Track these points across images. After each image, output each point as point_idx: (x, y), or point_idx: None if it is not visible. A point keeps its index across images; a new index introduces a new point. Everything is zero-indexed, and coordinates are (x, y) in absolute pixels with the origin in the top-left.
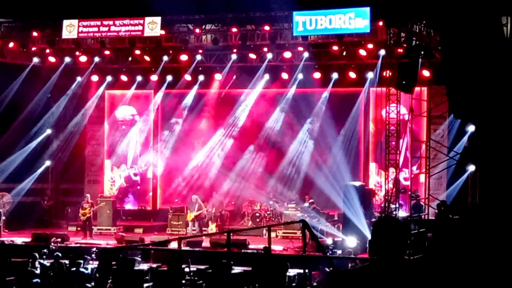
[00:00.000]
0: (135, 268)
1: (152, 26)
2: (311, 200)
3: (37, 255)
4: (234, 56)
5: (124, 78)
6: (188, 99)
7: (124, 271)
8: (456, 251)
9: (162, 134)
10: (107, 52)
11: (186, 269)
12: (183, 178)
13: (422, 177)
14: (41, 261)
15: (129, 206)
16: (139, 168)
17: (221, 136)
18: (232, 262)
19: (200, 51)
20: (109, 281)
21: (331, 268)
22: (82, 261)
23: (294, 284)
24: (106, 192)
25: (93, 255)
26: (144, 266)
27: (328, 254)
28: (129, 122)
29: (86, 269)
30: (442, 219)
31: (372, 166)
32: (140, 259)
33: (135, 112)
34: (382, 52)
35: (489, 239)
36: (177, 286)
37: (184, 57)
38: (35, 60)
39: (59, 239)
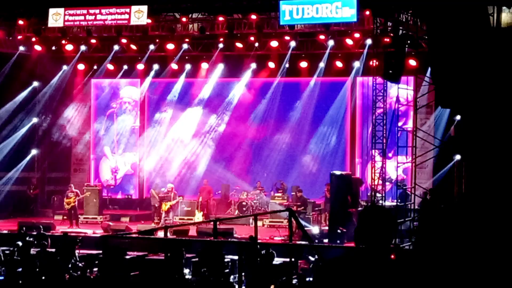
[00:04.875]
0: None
1: (139, 15)
2: (298, 188)
3: (20, 243)
4: (221, 45)
5: (110, 66)
6: (175, 88)
7: (112, 259)
8: (443, 240)
9: (149, 122)
10: (93, 41)
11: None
12: (169, 167)
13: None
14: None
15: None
16: (132, 156)
17: (209, 125)
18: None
19: (187, 40)
20: (95, 269)
21: (316, 257)
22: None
23: (280, 273)
24: (103, 180)
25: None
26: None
27: (314, 243)
28: (133, 103)
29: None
30: (428, 207)
31: (359, 155)
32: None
33: (139, 94)
34: (369, 41)
35: (475, 228)
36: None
37: (170, 46)
38: (21, 48)
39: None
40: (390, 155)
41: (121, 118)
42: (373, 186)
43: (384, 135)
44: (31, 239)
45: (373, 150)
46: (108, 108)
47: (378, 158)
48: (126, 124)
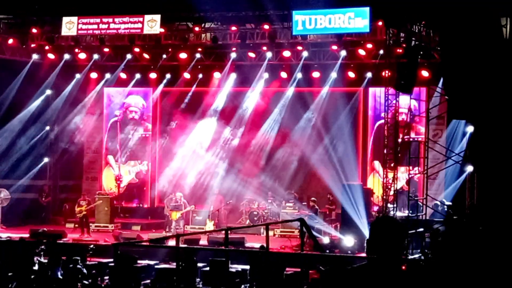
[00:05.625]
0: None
1: (152, 24)
2: (312, 199)
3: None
4: (233, 55)
5: (123, 75)
6: (187, 97)
7: (123, 268)
8: (455, 252)
9: (161, 131)
10: (106, 50)
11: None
12: (181, 176)
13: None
14: (38, 257)
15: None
16: (142, 164)
17: (221, 134)
18: (229, 260)
19: (200, 49)
20: (106, 277)
21: (327, 267)
22: (79, 258)
23: (291, 283)
24: (107, 188)
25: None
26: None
27: (325, 252)
28: (139, 110)
29: (83, 266)
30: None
31: (370, 165)
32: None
33: (144, 103)
34: (381, 52)
35: (488, 240)
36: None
37: (183, 55)
38: (35, 56)
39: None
40: (392, 165)
41: (128, 127)
42: (384, 197)
43: (397, 146)
44: (42, 246)
45: (385, 161)
46: (113, 117)
47: (379, 168)
48: (131, 133)
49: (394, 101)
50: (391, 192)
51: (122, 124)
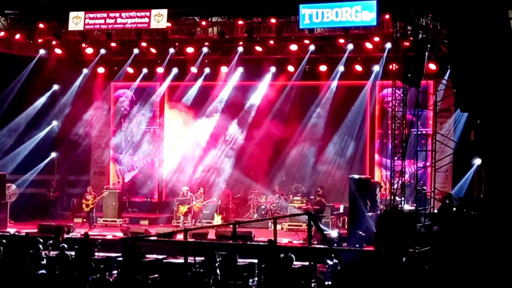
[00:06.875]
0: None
1: (159, 18)
2: (319, 193)
3: (41, 246)
4: (240, 49)
5: (130, 70)
6: (194, 92)
7: (131, 262)
8: (462, 245)
9: (167, 125)
10: (113, 44)
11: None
12: (188, 170)
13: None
14: (47, 252)
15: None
16: (147, 159)
17: (228, 128)
18: (237, 254)
19: (206, 43)
20: (114, 272)
21: (334, 261)
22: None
23: (299, 277)
24: (111, 182)
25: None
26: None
27: (333, 246)
28: (128, 100)
29: (92, 260)
30: (447, 212)
31: (378, 158)
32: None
33: (132, 94)
34: (388, 45)
35: (495, 233)
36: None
37: (190, 50)
38: (42, 51)
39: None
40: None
41: (133, 121)
42: (392, 190)
43: (405, 139)
44: (51, 241)
45: (392, 154)
46: (119, 112)
47: (397, 162)
48: (136, 127)
49: (404, 95)
50: (395, 186)
51: (126, 119)
